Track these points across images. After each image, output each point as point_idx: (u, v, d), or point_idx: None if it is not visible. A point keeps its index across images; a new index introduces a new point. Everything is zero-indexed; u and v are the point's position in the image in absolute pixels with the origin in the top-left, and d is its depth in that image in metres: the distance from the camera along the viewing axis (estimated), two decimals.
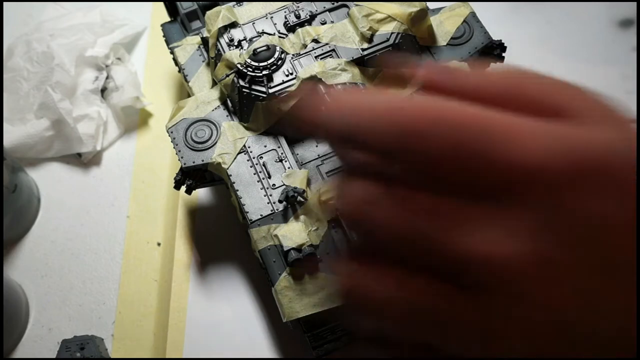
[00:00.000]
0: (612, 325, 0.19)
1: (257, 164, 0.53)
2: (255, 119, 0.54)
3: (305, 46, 0.54)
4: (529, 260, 0.19)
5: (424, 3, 0.56)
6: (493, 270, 0.19)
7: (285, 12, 0.57)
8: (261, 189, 0.52)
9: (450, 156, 0.19)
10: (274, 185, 0.52)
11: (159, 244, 0.64)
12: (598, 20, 0.70)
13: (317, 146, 0.54)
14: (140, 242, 0.64)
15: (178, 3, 0.62)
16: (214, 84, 0.57)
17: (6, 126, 0.67)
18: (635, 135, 0.20)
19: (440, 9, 0.59)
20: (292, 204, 0.50)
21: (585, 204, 0.19)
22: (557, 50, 0.66)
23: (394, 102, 0.20)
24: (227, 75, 0.54)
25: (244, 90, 0.53)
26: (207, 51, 0.58)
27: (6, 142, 0.66)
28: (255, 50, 0.53)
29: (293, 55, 0.54)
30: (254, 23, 0.56)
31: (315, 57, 0.54)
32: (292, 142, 0.54)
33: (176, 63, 0.61)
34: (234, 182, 0.52)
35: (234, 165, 0.53)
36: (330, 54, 0.54)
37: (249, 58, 0.53)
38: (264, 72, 0.53)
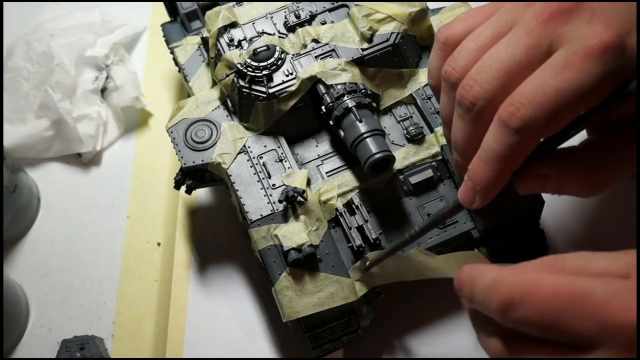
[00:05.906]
0: None
1: (257, 164, 0.53)
2: (255, 119, 0.54)
3: (305, 46, 0.54)
4: None
5: (424, 3, 0.56)
6: None
7: (285, 12, 0.57)
8: (261, 189, 0.52)
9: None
10: (274, 185, 0.52)
11: (159, 244, 0.64)
12: None
13: (317, 146, 0.54)
14: (140, 242, 0.64)
15: (178, 3, 0.62)
16: (214, 84, 0.57)
17: (6, 126, 0.67)
18: None
19: (440, 9, 0.59)
20: (292, 204, 0.50)
21: None
22: None
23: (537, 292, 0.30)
24: (227, 75, 0.54)
25: (244, 90, 0.53)
26: (207, 51, 0.58)
27: (6, 142, 0.66)
28: (255, 50, 0.53)
29: (293, 55, 0.54)
30: (254, 23, 0.56)
31: (315, 57, 0.54)
32: (292, 142, 0.54)
33: (176, 63, 0.61)
34: (234, 182, 0.52)
35: (234, 165, 0.53)
36: (330, 54, 0.54)
37: (249, 58, 0.53)
38: (264, 72, 0.53)
